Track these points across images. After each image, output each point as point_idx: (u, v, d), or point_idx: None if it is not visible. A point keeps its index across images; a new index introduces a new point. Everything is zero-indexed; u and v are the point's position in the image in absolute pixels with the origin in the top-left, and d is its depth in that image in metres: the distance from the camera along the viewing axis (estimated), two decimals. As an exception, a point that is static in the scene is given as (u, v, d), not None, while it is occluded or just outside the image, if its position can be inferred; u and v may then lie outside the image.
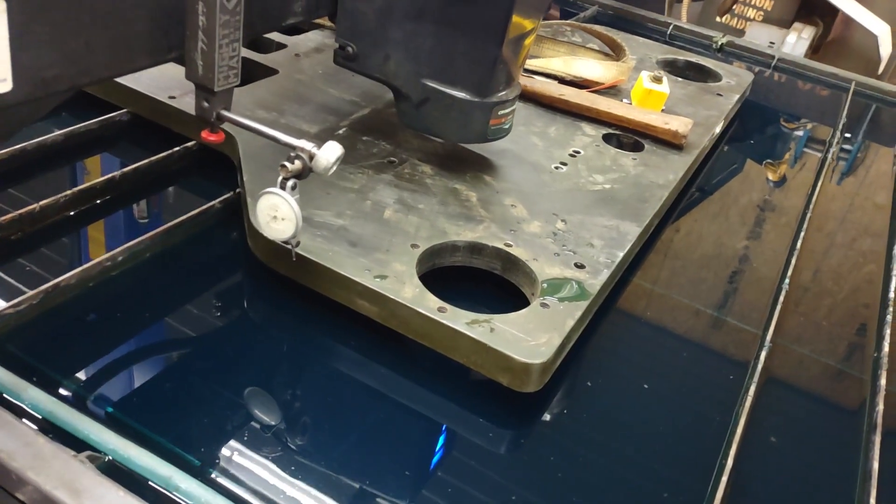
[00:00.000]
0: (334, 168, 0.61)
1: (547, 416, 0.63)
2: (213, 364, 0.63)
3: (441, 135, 0.82)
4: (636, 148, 0.98)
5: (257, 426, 0.58)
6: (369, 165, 0.82)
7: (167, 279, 0.72)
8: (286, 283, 0.69)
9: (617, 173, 0.90)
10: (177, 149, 0.85)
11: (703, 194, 1.03)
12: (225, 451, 0.55)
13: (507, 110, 0.80)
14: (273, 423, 0.58)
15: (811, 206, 1.00)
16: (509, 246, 0.73)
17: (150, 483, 0.50)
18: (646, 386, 0.67)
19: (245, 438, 0.56)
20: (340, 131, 0.89)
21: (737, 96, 1.21)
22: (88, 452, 0.51)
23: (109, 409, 0.56)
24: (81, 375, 0.59)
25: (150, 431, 0.55)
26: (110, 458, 0.51)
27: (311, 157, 0.60)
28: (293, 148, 0.61)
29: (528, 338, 0.62)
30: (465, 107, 0.77)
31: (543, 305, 0.66)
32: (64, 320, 0.63)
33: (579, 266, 0.72)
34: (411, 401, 0.63)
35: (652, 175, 0.91)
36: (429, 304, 0.63)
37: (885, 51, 1.88)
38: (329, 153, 0.60)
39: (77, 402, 0.56)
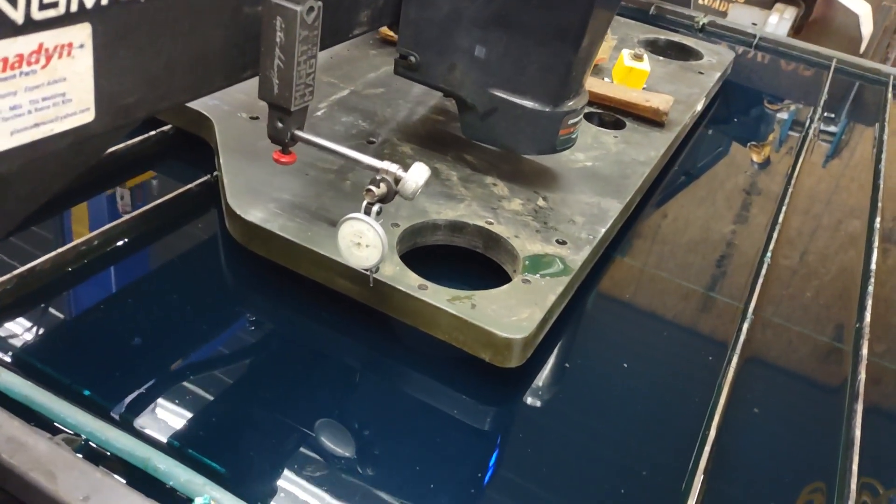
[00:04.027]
0: (420, 190, 0.59)
1: (528, 393, 0.63)
2: (189, 346, 0.62)
3: (508, 146, 0.78)
4: (617, 126, 0.98)
5: (236, 406, 0.57)
6: (349, 146, 0.81)
7: (145, 262, 0.71)
8: (265, 264, 0.68)
9: (598, 150, 0.90)
10: (152, 133, 0.84)
11: (685, 172, 1.03)
12: (201, 432, 0.55)
13: (576, 119, 0.76)
14: (252, 403, 0.58)
15: (792, 182, 1.00)
16: (490, 224, 0.72)
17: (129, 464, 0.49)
18: (625, 365, 0.67)
19: (224, 417, 0.56)
20: (319, 112, 0.88)
21: (718, 74, 1.20)
22: (65, 435, 0.50)
23: (86, 392, 0.55)
24: (57, 360, 0.58)
25: (126, 413, 0.54)
26: (87, 440, 0.50)
27: (398, 180, 0.58)
28: (376, 170, 0.59)
29: (509, 313, 0.61)
30: (534, 117, 0.73)
31: (525, 281, 0.66)
32: (39, 305, 0.62)
33: (561, 242, 0.72)
34: (394, 379, 0.63)
35: (633, 152, 0.91)
36: (409, 282, 0.63)
37: (866, 29, 1.88)
38: (417, 176, 0.58)
39: (53, 386, 0.55)
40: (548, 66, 0.71)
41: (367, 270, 0.61)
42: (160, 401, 0.56)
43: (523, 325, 0.61)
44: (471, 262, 0.73)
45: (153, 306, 0.66)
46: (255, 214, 0.68)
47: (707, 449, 0.56)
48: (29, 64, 0.40)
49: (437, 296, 0.62)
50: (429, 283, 0.63)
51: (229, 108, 0.84)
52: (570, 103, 0.74)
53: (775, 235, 0.87)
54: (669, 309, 0.77)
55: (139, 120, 0.49)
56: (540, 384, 0.64)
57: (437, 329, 0.62)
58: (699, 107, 1.09)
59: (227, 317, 0.67)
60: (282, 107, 0.58)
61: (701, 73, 1.20)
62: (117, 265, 0.68)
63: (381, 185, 0.58)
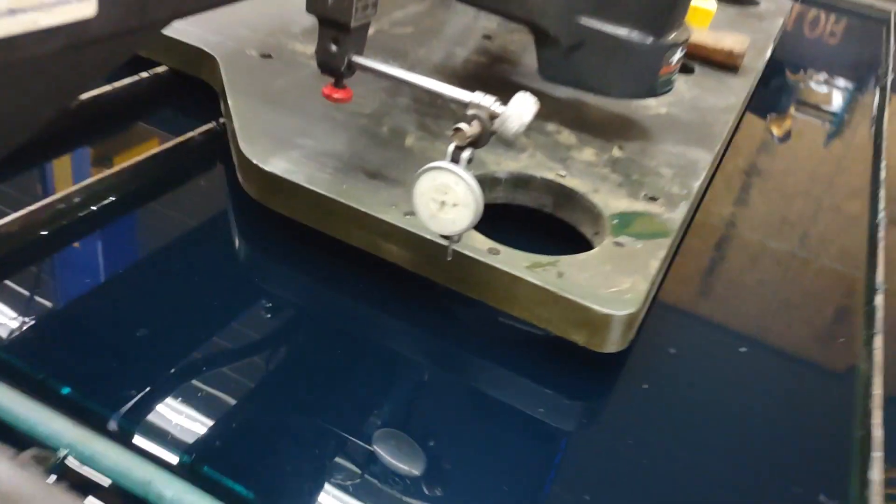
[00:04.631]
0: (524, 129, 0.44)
1: (629, 385, 0.50)
2: (199, 331, 0.49)
3: (597, 88, 0.64)
4: (684, 70, 0.84)
5: (261, 410, 0.44)
6: (380, 87, 0.68)
7: (136, 225, 0.57)
8: (289, 225, 0.55)
9: (670, 97, 0.76)
10: (144, 74, 0.70)
11: (760, 124, 0.90)
12: (218, 444, 0.41)
13: (678, 55, 0.62)
14: (282, 406, 0.45)
15: (884, 135, 0.87)
16: (562, 177, 0.59)
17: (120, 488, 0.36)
18: (743, 349, 0.54)
19: (247, 425, 0.43)
20: (342, 52, 0.74)
21: (781, 20, 1.07)
22: (35, 450, 0.37)
23: (65, 391, 0.42)
24: (26, 348, 0.45)
25: (119, 419, 0.41)
26: (66, 456, 0.37)
27: (494, 115, 0.44)
28: (465, 105, 0.45)
29: (606, 283, 0.48)
30: (632, 51, 0.60)
31: (617, 244, 0.52)
32: (4, 277, 0.49)
33: (651, 198, 0.58)
34: (459, 370, 0.50)
35: (711, 98, 0.78)
36: (477, 246, 0.50)
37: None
38: (521, 109, 0.43)
39: (20, 382, 0.41)
40: None
41: (448, 239, 0.46)
42: (163, 403, 0.42)
43: (627, 299, 0.47)
44: (534, 225, 0.59)
45: (150, 281, 0.52)
46: (275, 164, 0.55)
47: (877, 455, 0.43)
48: None
49: (514, 262, 0.49)
50: (501, 247, 0.50)
51: (235, 45, 0.70)
52: (674, 35, 0.60)
53: (882, 193, 0.74)
54: (776, 279, 0.64)
55: (159, 24, 0.35)
56: (642, 374, 0.51)
57: (514, 304, 0.49)
58: (768, 52, 0.95)
59: (243, 294, 0.53)
60: (338, 22, 0.45)
61: (762, 19, 1.06)
62: (103, 229, 0.55)
63: (474, 123, 0.44)
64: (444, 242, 0.46)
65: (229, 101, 0.62)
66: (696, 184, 0.62)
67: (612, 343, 0.47)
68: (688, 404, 0.49)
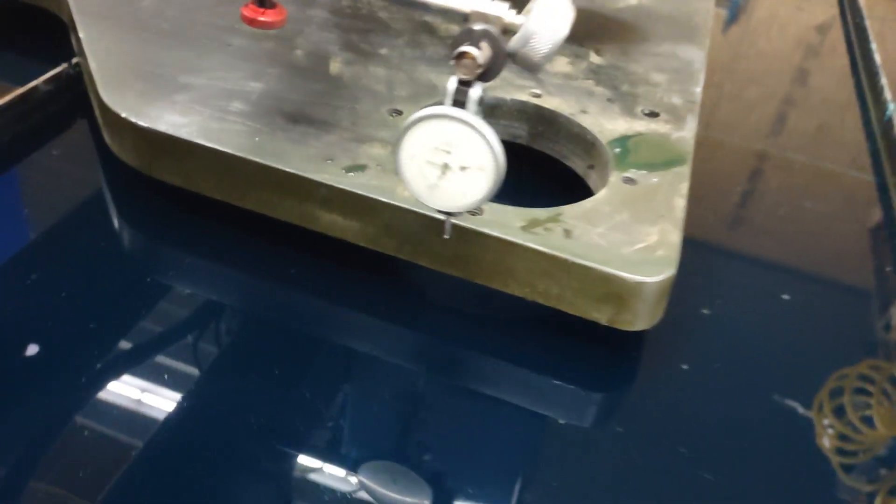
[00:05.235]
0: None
1: (661, 372, 0.39)
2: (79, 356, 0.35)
3: None
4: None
5: (200, 448, 0.31)
6: (286, -1, 0.52)
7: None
8: (181, 197, 0.40)
9: (638, -16, 0.63)
10: (-41, 5, 0.52)
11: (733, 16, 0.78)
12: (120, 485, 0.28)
13: None
14: (224, 439, 0.31)
15: (864, 16, 0.77)
16: (538, 96, 0.46)
17: None
18: (786, 297, 0.44)
19: (187, 467, 0.29)
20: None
21: None
22: None
23: None
24: None
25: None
26: None
27: (508, 29, 0.29)
28: (466, 16, 0.30)
29: (627, 239, 0.36)
30: None
31: (628, 181, 0.40)
32: None
33: (650, 114, 0.46)
34: (441, 370, 0.37)
35: (684, -17, 0.65)
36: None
37: None
38: (554, 19, 0.29)
39: None
40: None
41: (448, 214, 0.32)
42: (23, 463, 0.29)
43: (659, 257, 0.36)
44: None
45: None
46: (155, 116, 0.39)
47: None
48: None
49: (504, 222, 0.36)
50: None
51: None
52: None
53: (883, 82, 0.64)
54: (801, 201, 0.53)
55: None
56: (676, 348, 0.39)
57: (510, 280, 0.36)
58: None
59: (135, 299, 0.39)
60: None
61: None
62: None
63: (483, 43, 0.29)
64: (440, 216, 0.33)
65: (80, 33, 0.46)
66: (698, 90, 0.50)
67: (645, 318, 0.36)
68: (745, 387, 0.38)
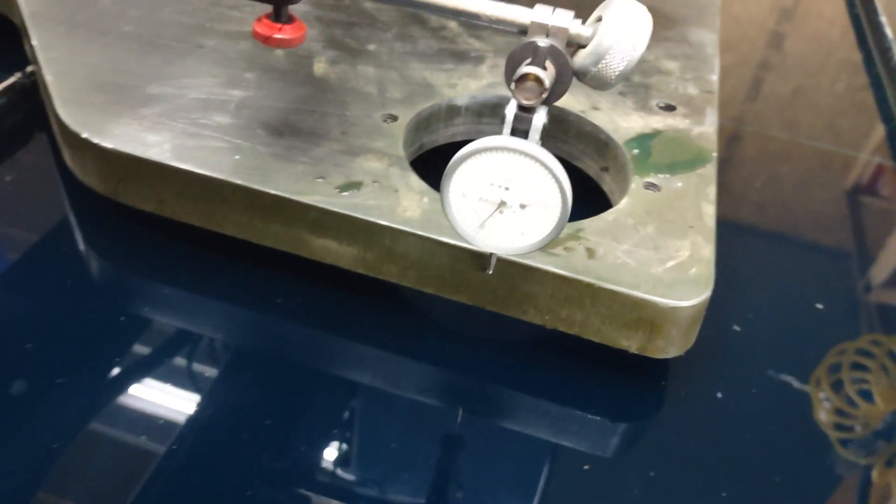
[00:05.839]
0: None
1: (695, 401, 0.35)
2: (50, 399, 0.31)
3: None
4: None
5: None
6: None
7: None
8: (154, 221, 0.36)
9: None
10: None
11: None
12: None
13: None
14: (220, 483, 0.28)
15: None
16: (543, 92, 0.42)
17: None
18: (819, 306, 0.40)
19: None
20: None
21: None
22: None
23: None
24: None
25: None
26: None
27: (578, 43, 0.25)
28: (524, 30, 0.26)
29: (656, 255, 0.33)
30: None
31: (650, 187, 0.37)
32: None
33: (666, 108, 0.42)
34: (441, 398, 0.34)
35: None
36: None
37: None
38: (631, 33, 0.25)
39: None
40: None
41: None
42: None
43: (693, 276, 0.32)
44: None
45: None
46: (119, 135, 0.35)
47: None
48: None
49: (520, 245, 0.32)
50: (494, 222, 0.33)
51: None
52: None
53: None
54: (819, 190, 0.50)
55: None
56: (707, 375, 0.36)
57: (527, 307, 0.33)
58: None
59: (109, 343, 0.34)
60: None
61: None
62: None
63: (548, 61, 0.25)
64: (484, 251, 0.29)
65: (32, 39, 0.41)
66: (715, 77, 0.46)
67: (678, 344, 0.32)
68: (789, 425, 0.35)
